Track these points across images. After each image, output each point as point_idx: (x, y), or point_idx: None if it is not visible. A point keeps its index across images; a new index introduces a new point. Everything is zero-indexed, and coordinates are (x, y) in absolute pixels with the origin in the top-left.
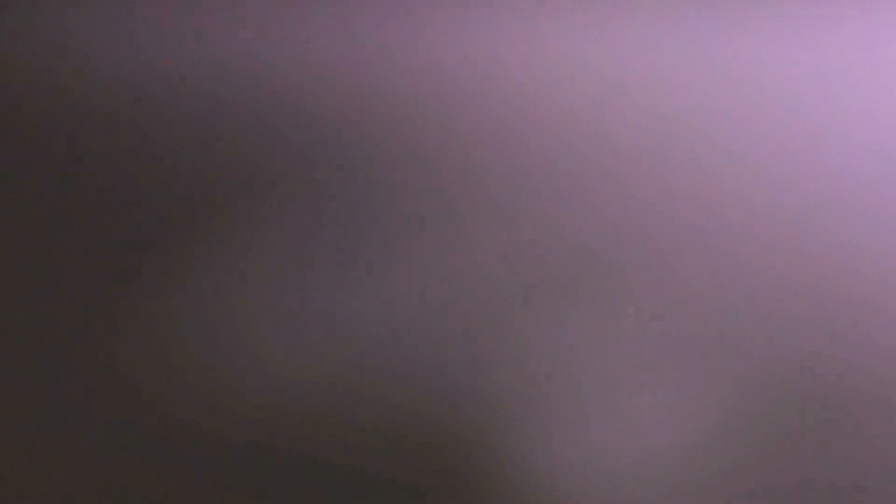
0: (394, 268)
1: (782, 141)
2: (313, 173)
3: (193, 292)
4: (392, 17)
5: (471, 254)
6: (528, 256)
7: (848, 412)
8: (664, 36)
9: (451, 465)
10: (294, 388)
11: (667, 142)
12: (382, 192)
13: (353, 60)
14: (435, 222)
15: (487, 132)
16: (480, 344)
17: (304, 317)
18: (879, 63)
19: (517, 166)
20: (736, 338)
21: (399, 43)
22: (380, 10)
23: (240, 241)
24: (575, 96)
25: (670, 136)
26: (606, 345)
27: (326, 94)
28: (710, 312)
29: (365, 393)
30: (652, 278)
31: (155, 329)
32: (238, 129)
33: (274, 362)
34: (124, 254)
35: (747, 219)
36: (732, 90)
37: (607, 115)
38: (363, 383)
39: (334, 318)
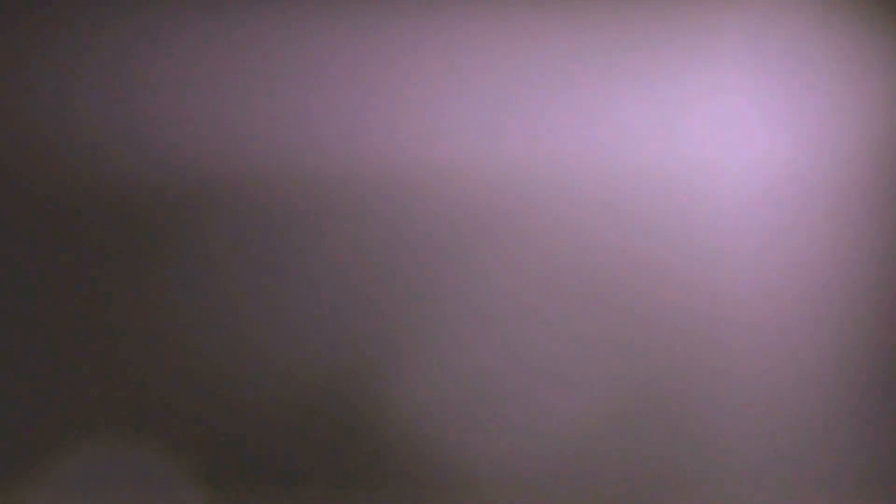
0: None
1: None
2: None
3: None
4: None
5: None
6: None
7: (717, 411)
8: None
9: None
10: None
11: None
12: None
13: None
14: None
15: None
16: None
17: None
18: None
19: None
20: (623, 342)
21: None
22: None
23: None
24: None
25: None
26: (507, 347)
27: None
28: (598, 320)
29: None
30: (552, 291)
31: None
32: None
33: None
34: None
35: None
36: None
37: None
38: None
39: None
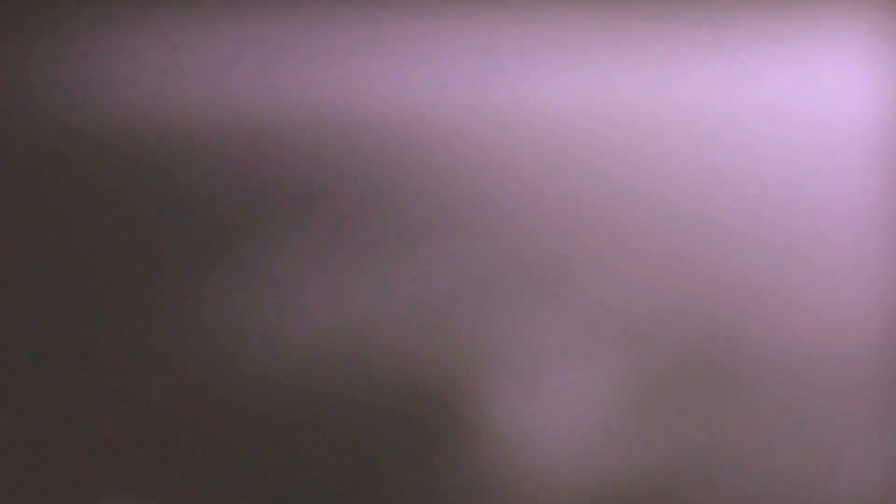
0: (381, 270)
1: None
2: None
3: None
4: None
5: (446, 259)
6: (487, 264)
7: (738, 388)
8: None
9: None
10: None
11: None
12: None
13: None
14: (412, 232)
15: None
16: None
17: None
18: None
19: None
20: (646, 329)
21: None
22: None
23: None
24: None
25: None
26: (542, 334)
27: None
28: (627, 309)
29: (357, 371)
30: (577, 283)
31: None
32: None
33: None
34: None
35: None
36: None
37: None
38: (356, 364)
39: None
